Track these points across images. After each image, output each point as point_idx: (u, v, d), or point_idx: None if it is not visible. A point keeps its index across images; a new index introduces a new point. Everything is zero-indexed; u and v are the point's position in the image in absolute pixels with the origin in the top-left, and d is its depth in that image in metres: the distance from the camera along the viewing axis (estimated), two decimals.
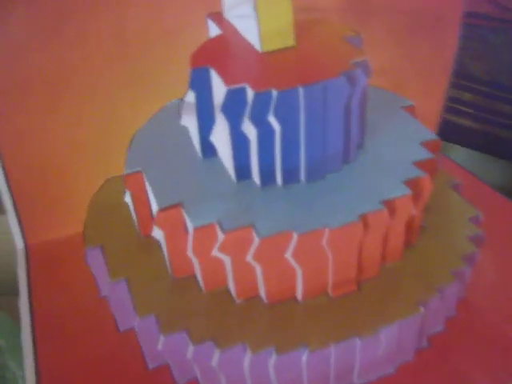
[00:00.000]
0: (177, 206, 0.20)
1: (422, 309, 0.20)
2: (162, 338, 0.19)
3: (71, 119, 0.28)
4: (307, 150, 0.20)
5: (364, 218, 0.19)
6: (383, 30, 0.30)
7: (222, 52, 0.22)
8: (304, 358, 0.19)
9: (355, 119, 0.20)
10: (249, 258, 0.19)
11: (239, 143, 0.20)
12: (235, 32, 0.22)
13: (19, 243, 0.30)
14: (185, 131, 0.23)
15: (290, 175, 0.20)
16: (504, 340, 0.24)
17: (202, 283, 0.21)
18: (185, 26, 0.27)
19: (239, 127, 0.19)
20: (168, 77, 0.27)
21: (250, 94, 0.18)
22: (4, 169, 0.28)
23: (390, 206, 0.19)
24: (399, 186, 0.20)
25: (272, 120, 0.19)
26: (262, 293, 0.20)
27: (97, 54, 0.26)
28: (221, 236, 0.18)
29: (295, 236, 0.18)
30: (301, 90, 0.18)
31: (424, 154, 0.21)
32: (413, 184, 0.20)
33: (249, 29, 0.20)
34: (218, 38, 0.22)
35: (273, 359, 0.19)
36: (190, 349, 0.19)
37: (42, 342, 0.25)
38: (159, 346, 0.19)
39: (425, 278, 0.21)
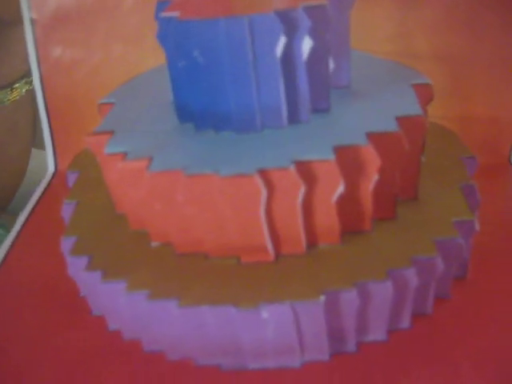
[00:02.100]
0: (107, 133, 0.19)
1: (322, 297, 0.17)
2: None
3: (102, 55, 0.29)
4: (235, 94, 0.18)
5: (264, 174, 0.16)
6: (438, 8, 0.26)
7: None
8: (175, 312, 0.17)
9: (304, 74, 0.18)
10: (141, 194, 0.18)
11: (177, 79, 0.19)
12: None
13: (51, 167, 0.32)
14: None
15: (221, 122, 0.19)
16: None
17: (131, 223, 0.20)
18: None
19: (175, 60, 0.18)
20: None
21: (175, 22, 0.17)
22: (44, 98, 0.30)
23: (301, 167, 0.17)
24: (328, 152, 0.17)
25: (196, 53, 0.17)
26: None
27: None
28: (119, 165, 0.18)
29: (184, 177, 0.17)
30: (222, 22, 0.17)
31: (390, 127, 0.18)
32: (346, 152, 0.17)
33: None
34: None
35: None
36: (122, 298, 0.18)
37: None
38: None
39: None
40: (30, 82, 0.39)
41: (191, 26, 0.17)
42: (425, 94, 0.21)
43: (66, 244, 0.21)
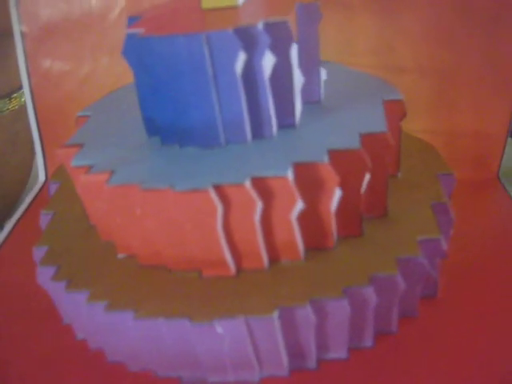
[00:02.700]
0: (76, 146, 0.20)
1: (275, 313, 0.17)
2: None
3: (90, 66, 0.29)
4: (198, 110, 0.18)
5: (220, 189, 0.17)
6: (421, 20, 0.26)
7: (176, 5, 0.21)
8: (132, 323, 0.17)
9: (267, 90, 0.18)
10: (103, 206, 0.18)
11: (143, 94, 0.19)
12: None
13: (41, 176, 0.32)
14: None
15: (185, 137, 0.19)
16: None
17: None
18: None
19: (140, 76, 0.19)
20: None
21: (138, 39, 0.18)
22: (35, 108, 0.30)
23: (258, 183, 0.17)
24: (285, 169, 0.17)
25: (158, 68, 0.18)
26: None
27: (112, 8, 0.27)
28: (83, 178, 0.18)
29: (140, 191, 0.17)
30: (181, 39, 0.17)
31: (348, 144, 0.18)
32: (304, 169, 0.17)
33: None
34: None
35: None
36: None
37: None
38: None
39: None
40: None
41: (152, 42, 0.17)
42: (397, 110, 0.21)
43: (38, 254, 0.21)
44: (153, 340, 0.18)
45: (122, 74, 0.25)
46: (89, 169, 0.19)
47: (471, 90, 0.28)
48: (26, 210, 0.30)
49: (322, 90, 0.21)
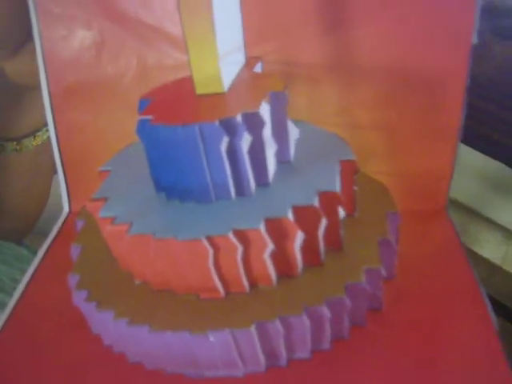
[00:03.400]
0: (101, 199, 0.26)
1: (253, 327, 0.23)
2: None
3: (106, 119, 0.36)
4: (193, 176, 0.25)
5: (210, 239, 0.23)
6: (373, 89, 0.33)
7: (175, 89, 0.28)
8: (147, 335, 0.24)
9: (245, 160, 0.25)
10: (123, 249, 0.24)
11: (152, 162, 0.26)
12: None
13: (65, 208, 0.39)
14: None
15: (184, 194, 0.25)
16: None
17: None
18: None
19: (150, 149, 0.25)
20: None
21: (148, 124, 0.24)
22: (60, 152, 0.37)
23: (238, 233, 0.23)
24: (258, 223, 0.23)
25: (163, 146, 0.24)
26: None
27: (125, 75, 0.34)
28: (108, 227, 0.25)
29: (153, 240, 0.24)
30: (179, 129, 0.23)
31: (308, 201, 0.24)
32: (272, 222, 0.24)
33: None
34: (183, 80, 0.28)
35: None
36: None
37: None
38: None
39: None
40: None
41: (158, 128, 0.24)
42: (350, 167, 0.27)
43: (72, 280, 0.28)
44: (163, 346, 0.24)
45: (133, 128, 0.31)
46: (113, 220, 0.25)
47: (418, 141, 0.34)
48: (55, 238, 0.36)
49: (292, 151, 0.28)
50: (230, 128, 0.23)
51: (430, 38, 0.31)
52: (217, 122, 0.23)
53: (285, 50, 0.32)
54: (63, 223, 0.37)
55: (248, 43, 0.29)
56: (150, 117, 0.24)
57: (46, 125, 0.45)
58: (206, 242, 0.23)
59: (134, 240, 0.24)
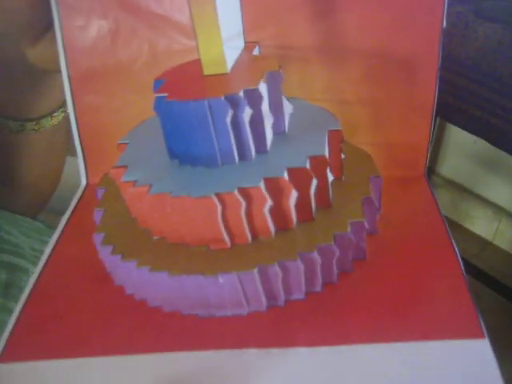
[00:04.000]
0: (122, 167, 0.31)
1: (255, 269, 0.28)
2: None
3: (120, 101, 0.40)
4: (203, 144, 0.29)
5: (219, 196, 0.28)
6: (359, 69, 0.37)
7: (185, 71, 0.32)
8: (167, 279, 0.29)
9: (246, 130, 0.29)
10: (145, 207, 0.29)
11: (167, 133, 0.30)
12: None
13: (83, 181, 0.43)
14: None
15: (195, 160, 0.30)
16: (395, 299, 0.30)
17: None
18: None
19: (165, 123, 0.30)
20: None
21: (164, 101, 0.28)
22: (78, 131, 0.41)
23: (242, 191, 0.28)
24: (259, 181, 0.28)
25: (177, 119, 0.28)
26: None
27: (137, 61, 0.38)
28: (130, 189, 0.29)
29: (170, 197, 0.28)
30: (192, 103, 0.28)
31: (300, 164, 0.28)
32: (270, 181, 0.28)
33: None
34: (191, 63, 0.32)
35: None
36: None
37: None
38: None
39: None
40: (65, 111, 0.50)
41: (174, 104, 0.28)
42: (336, 136, 0.32)
43: (97, 238, 0.32)
44: (180, 289, 0.29)
45: (144, 108, 0.35)
46: (134, 183, 0.29)
47: (398, 115, 0.38)
48: (75, 207, 0.40)
49: (287, 124, 0.32)
50: (233, 102, 0.27)
51: (406, 20, 0.35)
52: (223, 98, 0.27)
53: (279, 36, 0.36)
54: (82, 195, 0.42)
55: (246, 30, 0.34)
56: (165, 94, 0.28)
57: (61, 106, 0.49)
58: (215, 199, 0.27)
59: (154, 199, 0.28)
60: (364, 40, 0.36)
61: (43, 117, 0.48)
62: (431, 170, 1.57)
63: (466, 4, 0.79)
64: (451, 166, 1.54)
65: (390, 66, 0.37)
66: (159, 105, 0.29)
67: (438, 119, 1.24)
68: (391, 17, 0.36)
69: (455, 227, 1.53)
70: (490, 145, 0.86)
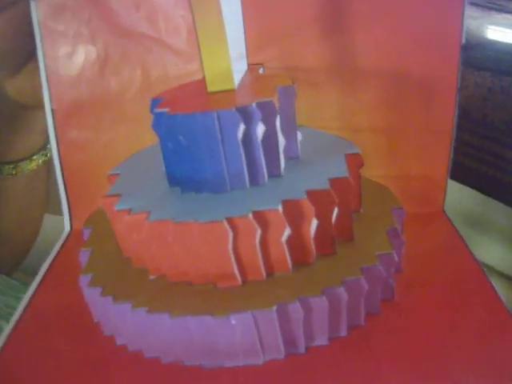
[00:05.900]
0: (116, 195, 0.27)
1: (274, 307, 0.24)
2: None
3: (109, 135, 0.36)
4: (210, 166, 0.25)
5: (230, 220, 0.24)
6: (373, 93, 0.34)
7: (186, 89, 0.29)
8: (168, 322, 0.24)
9: (259, 149, 0.25)
10: (142, 238, 0.25)
11: (167, 155, 0.26)
12: None
13: (67, 227, 0.39)
14: None
15: (200, 186, 0.26)
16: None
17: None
18: None
19: (166, 142, 0.26)
20: None
21: (166, 116, 0.25)
22: (62, 170, 0.37)
23: (257, 215, 0.24)
24: (277, 204, 0.24)
25: (180, 138, 0.25)
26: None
27: (129, 89, 0.35)
28: (126, 217, 0.25)
29: (172, 224, 0.24)
30: (198, 116, 0.24)
31: (321, 186, 0.25)
32: (289, 204, 0.24)
33: None
34: (190, 83, 0.29)
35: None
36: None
37: None
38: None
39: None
40: (46, 154, 0.47)
41: (177, 118, 0.24)
42: (355, 161, 0.28)
43: (84, 280, 0.28)
44: (183, 334, 0.24)
45: (135, 142, 0.31)
46: (129, 211, 0.25)
47: (415, 143, 0.35)
48: (58, 252, 0.36)
49: (299, 149, 0.29)
50: (246, 115, 0.24)
51: (422, 43, 0.33)
52: (234, 109, 0.24)
53: (284, 57, 0.34)
54: (65, 241, 0.37)
55: (249, 51, 0.31)
56: (166, 109, 0.25)
57: (42, 148, 0.46)
58: (226, 224, 0.23)
59: (153, 228, 0.24)
60: (377, 62, 0.34)
61: (21, 160, 0.44)
62: None
63: None
64: None
65: (406, 89, 0.34)
66: (159, 122, 0.25)
67: None
68: (405, 38, 0.33)
69: None
70: (474, 194, 0.83)
